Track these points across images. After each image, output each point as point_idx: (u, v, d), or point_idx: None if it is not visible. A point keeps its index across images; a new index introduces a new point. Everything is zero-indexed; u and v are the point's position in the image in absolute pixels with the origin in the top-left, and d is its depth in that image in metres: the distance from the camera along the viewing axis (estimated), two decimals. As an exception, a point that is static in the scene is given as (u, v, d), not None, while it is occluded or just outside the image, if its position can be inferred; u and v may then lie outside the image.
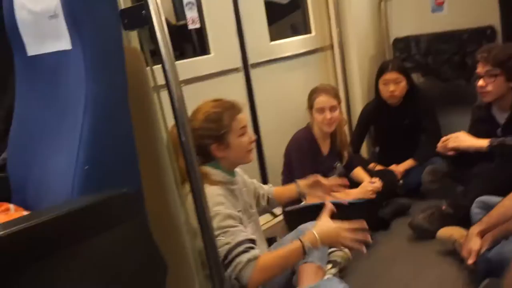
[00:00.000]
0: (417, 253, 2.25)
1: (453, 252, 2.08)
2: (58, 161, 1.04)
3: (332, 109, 2.49)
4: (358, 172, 2.72)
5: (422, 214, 2.33)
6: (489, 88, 2.24)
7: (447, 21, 3.08)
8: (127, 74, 1.09)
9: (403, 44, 3.25)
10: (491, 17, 2.88)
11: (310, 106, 2.55)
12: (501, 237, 1.80)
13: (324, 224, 1.56)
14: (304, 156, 2.47)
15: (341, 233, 1.54)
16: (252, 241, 1.51)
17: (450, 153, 2.34)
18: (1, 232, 0.74)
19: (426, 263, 2.14)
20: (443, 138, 2.37)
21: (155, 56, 1.20)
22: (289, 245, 1.52)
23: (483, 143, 2.20)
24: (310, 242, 1.50)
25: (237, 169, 1.82)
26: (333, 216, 2.20)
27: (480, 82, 2.26)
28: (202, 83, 2.52)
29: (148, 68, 1.27)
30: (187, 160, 1.21)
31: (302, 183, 2.00)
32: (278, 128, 2.89)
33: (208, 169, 1.65)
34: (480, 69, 2.27)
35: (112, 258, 0.95)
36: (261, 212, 2.03)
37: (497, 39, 2.88)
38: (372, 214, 2.46)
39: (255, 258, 1.45)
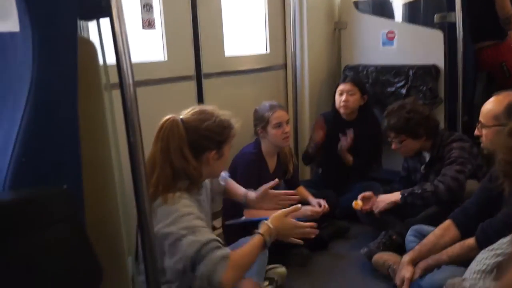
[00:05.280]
0: (353, 276, 2.28)
1: (387, 277, 2.12)
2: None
3: (288, 122, 2.52)
4: (301, 191, 2.73)
5: (373, 243, 2.38)
6: (403, 149, 2.50)
7: (396, 55, 3.23)
8: (78, 65, 1.03)
9: (353, 72, 3.34)
10: (436, 57, 3.05)
11: (264, 125, 2.51)
12: (434, 265, 1.86)
13: (279, 218, 1.60)
14: (251, 171, 2.43)
15: (294, 228, 1.63)
16: (220, 241, 1.50)
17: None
18: None
19: (361, 286, 2.17)
20: (359, 200, 2.48)
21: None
22: (251, 241, 1.53)
23: (397, 197, 2.35)
24: (268, 235, 1.54)
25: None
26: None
27: (393, 146, 2.52)
28: (153, 87, 2.45)
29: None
30: (132, 161, 1.15)
31: (251, 196, 1.98)
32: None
33: None
34: (389, 135, 2.50)
35: (42, 258, 0.87)
36: None
37: (440, 77, 3.05)
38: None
39: (228, 256, 1.44)
